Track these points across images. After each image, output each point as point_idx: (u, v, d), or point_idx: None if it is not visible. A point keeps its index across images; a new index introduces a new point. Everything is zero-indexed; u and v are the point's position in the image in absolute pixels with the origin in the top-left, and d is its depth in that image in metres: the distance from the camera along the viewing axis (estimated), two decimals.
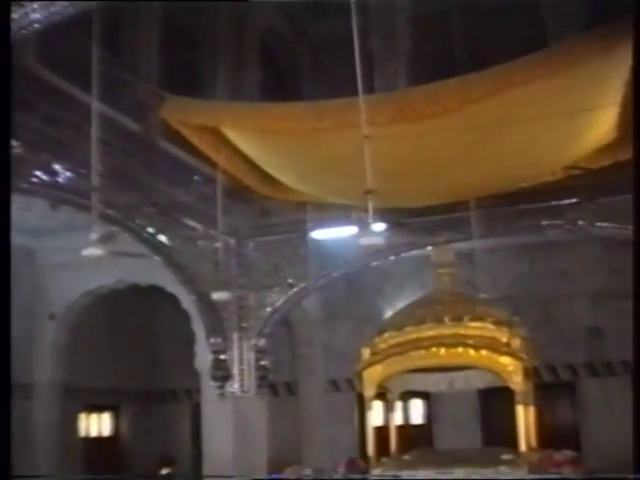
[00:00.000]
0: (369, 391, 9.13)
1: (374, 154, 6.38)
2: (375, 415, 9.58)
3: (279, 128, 8.18)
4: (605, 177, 10.18)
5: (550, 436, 10.96)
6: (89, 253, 7.15)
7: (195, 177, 11.17)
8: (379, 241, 6.89)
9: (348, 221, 10.97)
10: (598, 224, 12.05)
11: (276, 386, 16.05)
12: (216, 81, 11.49)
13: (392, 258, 13.52)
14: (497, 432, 13.51)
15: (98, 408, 16.86)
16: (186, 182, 11.29)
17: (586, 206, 11.67)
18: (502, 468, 8.51)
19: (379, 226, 9.98)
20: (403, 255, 13.58)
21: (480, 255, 12.14)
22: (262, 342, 13.54)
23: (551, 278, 15.29)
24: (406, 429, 15.76)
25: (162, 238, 11.43)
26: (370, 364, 9.08)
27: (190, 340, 13.40)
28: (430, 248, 10.36)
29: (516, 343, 8.64)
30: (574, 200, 11.70)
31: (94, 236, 7.27)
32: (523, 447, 8.63)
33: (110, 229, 9.61)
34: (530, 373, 9.17)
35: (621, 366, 15.33)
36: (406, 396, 15.47)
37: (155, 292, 13.69)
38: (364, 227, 7.27)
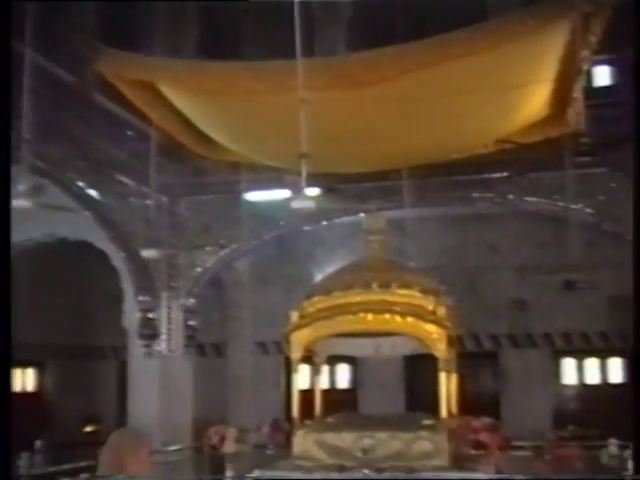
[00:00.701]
0: (296, 354, 9.16)
1: (309, 118, 6.39)
2: (301, 378, 9.62)
3: (215, 87, 8.11)
4: (535, 153, 10.38)
5: (472, 404, 11.16)
6: (17, 204, 7.03)
7: (129, 133, 11.03)
8: (311, 205, 6.93)
9: (281, 184, 10.99)
10: (527, 198, 12.33)
11: (204, 347, 16.07)
12: (154, 37, 11.34)
13: (324, 223, 13.63)
14: (420, 398, 13.80)
15: (22, 363, 16.63)
16: (119, 137, 11.15)
17: (516, 180, 11.92)
18: (422, 433, 8.66)
19: (312, 190, 10.04)
20: (335, 221, 13.70)
21: (410, 224, 12.29)
22: (191, 302, 13.54)
23: (479, 250, 15.57)
24: (332, 393, 15.94)
25: (93, 193, 11.30)
26: (298, 327, 9.10)
27: (118, 297, 13.29)
28: (362, 215, 10.43)
29: (441, 312, 8.75)
30: (505, 174, 11.94)
31: (23, 187, 7.15)
32: (444, 413, 8.76)
33: (40, 181, 9.44)
34: (454, 341, 9.31)
35: (542, 338, 15.77)
36: (333, 361, 15.65)
37: (84, 248, 13.50)
38: (297, 191, 7.30)
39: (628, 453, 7.23)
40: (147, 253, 11.43)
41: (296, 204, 7.10)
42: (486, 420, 8.91)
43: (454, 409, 9.76)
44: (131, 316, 13.12)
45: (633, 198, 4.86)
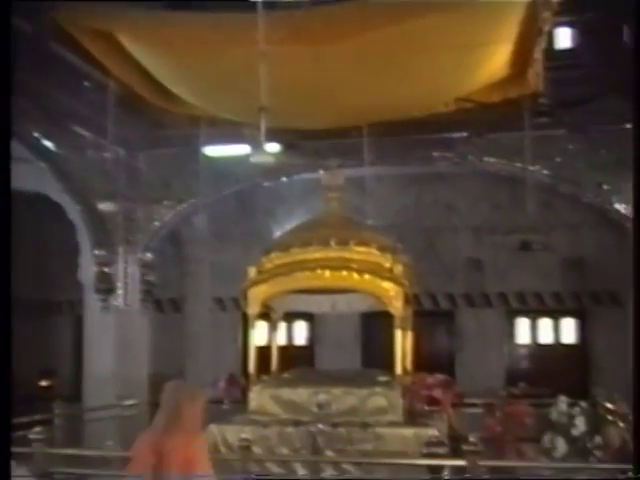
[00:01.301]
0: (253, 309, 9.18)
1: (269, 72, 6.34)
2: (259, 335, 9.67)
3: (175, 38, 7.99)
4: (495, 113, 10.42)
5: (427, 361, 11.32)
6: None
7: (86, 84, 10.82)
8: (270, 160, 6.90)
9: (241, 139, 10.90)
10: (486, 159, 12.40)
11: (161, 302, 16.01)
12: None
13: (284, 180, 13.59)
14: (376, 355, 13.91)
15: None
16: (77, 88, 10.93)
17: (475, 141, 11.97)
18: (377, 389, 8.76)
19: (271, 146, 10.00)
20: (295, 177, 13.66)
21: (370, 182, 12.31)
22: (148, 257, 13.46)
23: (437, 209, 15.64)
24: (289, 350, 16.02)
25: (49, 144, 11.10)
26: (255, 283, 9.11)
27: (75, 251, 13.15)
28: (321, 172, 10.41)
29: (398, 269, 8.82)
30: (464, 134, 11.97)
31: None
32: (399, 370, 8.88)
33: None
34: (410, 299, 9.41)
35: (498, 298, 15.96)
36: (290, 318, 15.70)
37: (40, 200, 13.31)
38: (256, 145, 7.25)
39: (577, 410, 7.39)
40: (104, 206, 11.34)
41: (255, 159, 7.06)
42: (439, 377, 9.04)
43: (409, 366, 9.89)
44: (87, 270, 13.01)
45: (633, 197, 4.90)
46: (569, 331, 16.24)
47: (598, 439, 7.41)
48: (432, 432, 8.02)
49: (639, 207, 4.97)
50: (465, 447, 6.80)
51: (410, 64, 8.07)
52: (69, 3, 8.87)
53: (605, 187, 12.25)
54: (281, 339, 14.66)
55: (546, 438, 7.33)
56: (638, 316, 4.79)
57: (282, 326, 15.37)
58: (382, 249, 9.00)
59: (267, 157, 6.80)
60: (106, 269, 12.79)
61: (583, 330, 16.03)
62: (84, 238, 12.89)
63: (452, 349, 16.25)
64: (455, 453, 7.11)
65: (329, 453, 7.79)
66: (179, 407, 4.57)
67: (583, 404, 7.62)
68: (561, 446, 7.21)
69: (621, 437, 8.16)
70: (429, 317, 15.13)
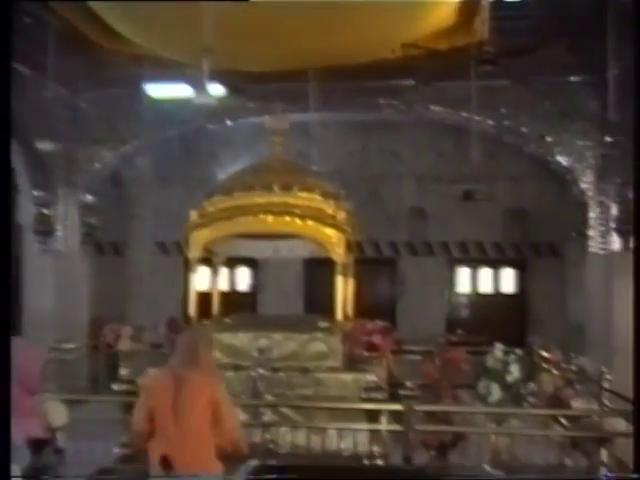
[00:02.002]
0: (194, 253, 9.12)
1: (213, 12, 6.19)
2: (201, 280, 9.63)
3: None
4: (442, 61, 10.38)
5: (370, 308, 11.41)
6: None
7: (27, 20, 10.47)
8: (212, 101, 6.78)
9: (185, 80, 10.70)
10: (432, 107, 12.39)
11: (102, 245, 15.80)
12: None
13: (229, 123, 13.41)
14: (318, 301, 13.97)
15: None
16: (17, 25, 10.56)
17: (422, 89, 11.93)
18: (317, 335, 8.81)
19: (216, 88, 9.85)
20: (240, 121, 13.51)
21: (315, 128, 12.23)
22: (89, 199, 13.24)
23: (382, 157, 15.63)
24: (232, 296, 16.02)
25: None
26: (197, 227, 9.02)
27: (13, 192, 12.87)
28: (266, 116, 10.29)
29: (341, 216, 8.81)
30: (411, 82, 11.93)
31: None
32: (339, 316, 8.92)
33: None
34: (352, 246, 9.43)
35: (440, 247, 16.10)
36: (233, 263, 15.67)
37: None
38: (200, 86, 7.14)
39: (511, 358, 7.53)
40: (44, 147, 11.06)
41: (198, 100, 6.94)
42: (379, 323, 9.11)
43: (350, 312, 9.95)
44: (26, 211, 12.76)
45: (634, 197, 4.89)
46: (508, 281, 16.50)
47: (532, 386, 7.57)
48: (371, 377, 8.12)
49: (639, 207, 5.01)
50: (402, 392, 6.91)
51: (356, 9, 7.97)
52: None
53: (548, 139, 12.37)
54: (224, 285, 14.64)
55: (481, 384, 7.46)
56: (637, 315, 4.84)
57: (225, 272, 15.37)
58: (325, 195, 8.97)
59: (210, 98, 6.69)
60: (45, 210, 12.57)
61: (522, 280, 16.29)
62: (23, 179, 12.62)
63: (394, 297, 16.40)
64: (394, 398, 7.20)
65: (269, 397, 7.82)
66: (196, 350, 5.02)
67: (518, 351, 7.75)
68: (495, 392, 7.34)
69: (554, 384, 8.36)
70: (372, 265, 15.20)
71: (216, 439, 5.00)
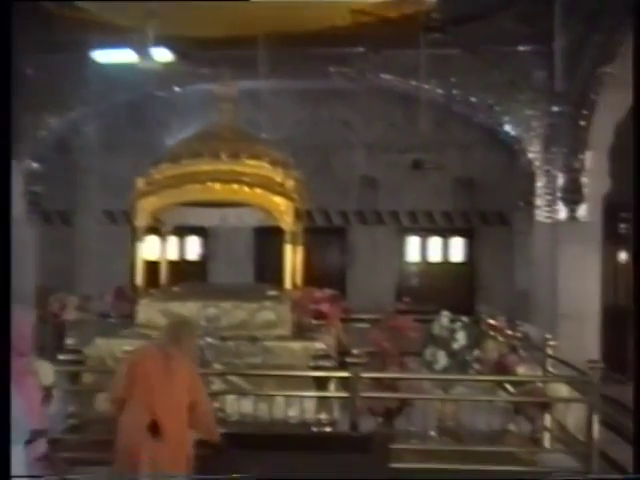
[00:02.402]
0: (141, 222, 9.02)
1: None
2: (150, 249, 9.55)
3: None
4: (391, 29, 10.37)
5: (320, 277, 11.45)
6: None
7: None
8: (157, 66, 6.68)
9: (131, 45, 10.50)
10: (382, 75, 12.36)
11: (49, 214, 15.55)
12: None
13: (177, 90, 13.24)
14: (269, 270, 13.95)
15: None
16: None
17: (372, 57, 11.90)
18: (266, 303, 8.81)
19: (163, 53, 9.71)
20: (189, 88, 13.33)
21: (265, 95, 12.12)
22: (34, 166, 13.00)
23: (332, 126, 15.57)
24: (181, 265, 15.93)
25: None
26: (143, 195, 8.92)
27: None
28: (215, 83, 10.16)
29: (290, 184, 8.78)
30: (361, 49, 11.88)
31: None
32: (288, 285, 8.93)
33: None
34: (301, 214, 9.40)
35: (389, 216, 16.16)
36: (183, 232, 15.56)
37: None
38: (145, 51, 7.02)
39: (458, 325, 7.60)
40: None
41: (143, 64, 6.81)
42: (327, 292, 9.16)
43: (299, 281, 9.96)
44: None
45: (633, 197, 4.90)
46: (457, 250, 16.64)
47: (477, 352, 7.66)
48: (319, 345, 8.16)
49: (639, 206, 5.03)
50: (349, 360, 6.94)
51: None
52: None
53: (496, 108, 12.44)
54: (173, 254, 14.53)
55: (427, 351, 7.53)
56: (638, 314, 4.88)
57: (174, 241, 15.26)
58: (274, 163, 8.93)
59: (155, 64, 6.58)
60: None
61: (471, 249, 16.44)
62: None
63: (344, 265, 16.44)
64: (342, 366, 7.24)
65: (217, 366, 7.81)
66: (180, 335, 5.36)
67: (464, 319, 7.83)
68: (442, 359, 7.42)
69: (498, 351, 8.48)
70: (322, 233, 15.21)
71: (191, 423, 5.20)
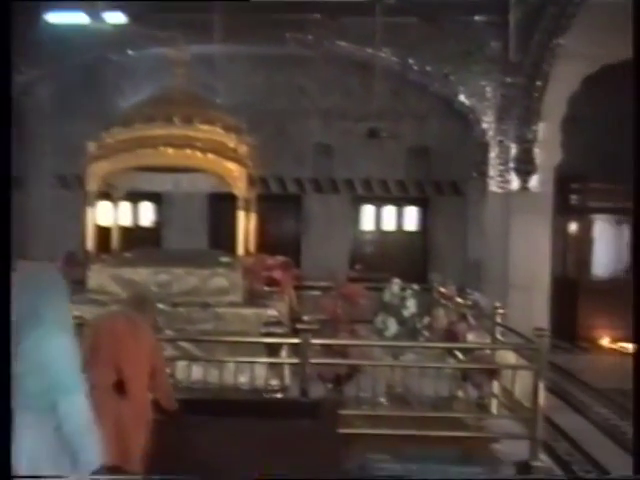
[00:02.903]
0: (92, 186, 8.89)
1: None
2: (102, 215, 9.43)
3: None
4: None
5: (274, 244, 11.46)
6: None
7: None
8: (109, 28, 6.56)
9: (82, 7, 10.31)
10: (338, 43, 12.31)
11: None
12: None
13: (130, 53, 13.04)
14: (223, 237, 13.89)
15: None
16: None
17: (328, 23, 11.83)
18: (219, 270, 8.77)
19: (116, 16, 9.55)
20: (143, 52, 13.15)
21: (220, 60, 11.99)
22: None
23: (288, 92, 15.49)
24: (135, 231, 15.82)
25: None
26: (95, 159, 8.79)
27: None
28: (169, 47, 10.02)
29: (243, 150, 8.71)
30: (317, 16, 11.80)
31: None
32: (241, 251, 8.89)
33: None
34: (254, 181, 9.36)
35: (344, 184, 16.19)
36: (137, 198, 15.42)
37: None
38: (96, 15, 6.90)
39: (408, 293, 7.66)
40: None
41: (94, 25, 6.69)
42: (279, 258, 9.16)
43: (252, 248, 9.94)
44: None
45: (633, 196, 4.90)
46: (411, 219, 16.75)
47: (427, 320, 7.74)
48: (271, 312, 8.15)
49: (639, 206, 5.05)
50: (300, 326, 6.96)
51: None
52: None
53: (452, 78, 12.47)
54: (127, 220, 14.40)
55: (378, 319, 7.58)
56: (637, 306, 4.91)
57: (128, 207, 15.12)
58: (227, 129, 8.84)
59: (106, 25, 6.47)
60: None
61: (425, 218, 16.56)
62: None
63: (299, 233, 16.47)
64: (294, 333, 7.26)
65: (169, 332, 7.78)
66: (144, 308, 5.46)
67: (415, 287, 7.89)
68: (392, 326, 7.47)
69: (448, 318, 8.58)
70: (277, 201, 15.21)
71: (151, 389, 5.26)
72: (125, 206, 11.88)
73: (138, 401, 5.13)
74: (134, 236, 14.22)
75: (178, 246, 14.96)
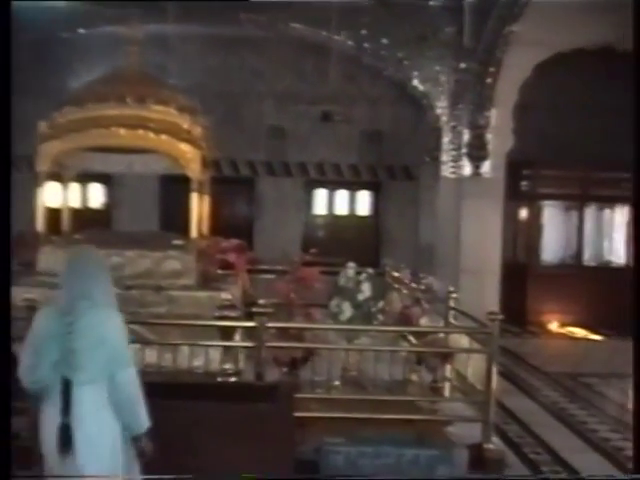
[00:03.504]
0: (42, 167, 8.73)
1: None
2: (52, 196, 9.27)
3: None
4: None
5: (227, 227, 11.37)
6: None
7: None
8: (62, 5, 6.43)
9: None
10: (293, 25, 12.26)
11: None
12: None
13: (82, 31, 12.82)
14: (175, 219, 13.76)
15: None
16: None
17: (284, 5, 11.76)
18: (172, 252, 8.69)
19: None
20: (96, 31, 12.92)
21: (174, 41, 11.85)
22: None
23: (242, 74, 15.38)
24: (85, 213, 15.61)
25: None
26: (46, 139, 8.62)
27: None
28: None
29: (197, 131, 8.61)
30: None
31: None
32: (194, 234, 8.82)
33: None
34: (208, 163, 9.28)
35: (297, 168, 16.17)
36: (86, 179, 15.20)
37: None
38: None
39: (363, 277, 7.67)
40: None
41: (47, 3, 6.56)
42: (234, 241, 9.10)
43: (205, 230, 9.86)
44: None
45: (633, 196, 4.88)
46: (364, 203, 16.81)
47: (381, 304, 7.77)
48: (225, 295, 8.09)
49: (639, 199, 5.07)
50: (255, 310, 6.94)
51: None
52: None
53: (406, 62, 12.50)
54: (76, 202, 14.17)
55: (333, 302, 7.57)
56: (637, 316, 4.93)
57: (77, 188, 14.88)
58: (181, 109, 8.72)
59: (57, 2, 6.34)
60: None
61: (377, 202, 16.62)
62: None
63: (251, 216, 16.44)
64: (249, 317, 7.23)
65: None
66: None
67: (369, 271, 7.91)
68: (347, 310, 7.47)
69: (402, 302, 8.63)
70: (230, 184, 15.12)
71: None
72: (74, 187, 11.67)
73: None
74: (84, 217, 14.00)
75: (129, 228, 14.78)
